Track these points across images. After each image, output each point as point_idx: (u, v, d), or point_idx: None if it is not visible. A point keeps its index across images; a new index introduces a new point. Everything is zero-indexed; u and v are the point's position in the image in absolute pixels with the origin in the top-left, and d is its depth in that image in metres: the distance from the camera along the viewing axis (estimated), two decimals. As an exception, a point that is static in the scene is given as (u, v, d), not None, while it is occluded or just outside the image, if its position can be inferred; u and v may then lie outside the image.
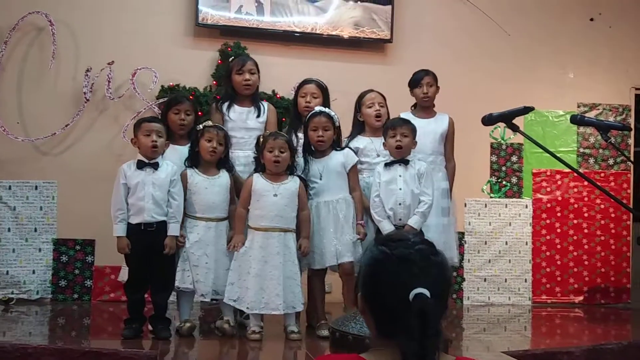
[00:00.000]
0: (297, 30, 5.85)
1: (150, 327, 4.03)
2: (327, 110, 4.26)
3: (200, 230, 4.07)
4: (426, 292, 1.27)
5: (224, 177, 4.16)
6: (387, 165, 4.18)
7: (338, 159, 4.23)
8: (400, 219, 4.12)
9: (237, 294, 3.98)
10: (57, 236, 5.38)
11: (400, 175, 4.15)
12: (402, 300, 1.28)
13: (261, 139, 4.13)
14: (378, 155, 4.39)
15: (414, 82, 4.64)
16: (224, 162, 4.20)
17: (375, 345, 1.38)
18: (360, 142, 4.43)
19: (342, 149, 4.30)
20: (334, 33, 5.91)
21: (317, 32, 5.89)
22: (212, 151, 4.09)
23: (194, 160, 4.17)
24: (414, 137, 4.18)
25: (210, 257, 4.04)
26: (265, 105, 4.57)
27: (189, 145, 4.29)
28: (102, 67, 5.36)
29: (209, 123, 4.19)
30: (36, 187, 5.37)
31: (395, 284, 1.31)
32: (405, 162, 4.17)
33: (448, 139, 4.64)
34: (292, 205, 4.07)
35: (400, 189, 4.13)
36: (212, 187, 4.11)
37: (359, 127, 4.51)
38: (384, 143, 4.20)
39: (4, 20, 5.34)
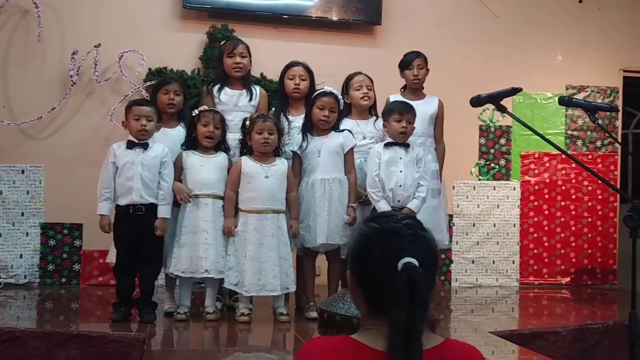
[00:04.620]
0: (286, 12, 5.80)
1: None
2: (335, 92, 4.29)
3: (196, 208, 4.06)
4: (414, 261, 1.31)
5: (220, 157, 4.17)
6: (388, 145, 4.19)
7: (337, 139, 4.25)
8: (399, 201, 4.14)
9: (237, 279, 4.00)
10: (45, 220, 5.36)
11: (401, 158, 4.17)
12: (391, 272, 1.31)
13: (247, 122, 4.13)
14: (364, 138, 4.41)
15: (405, 64, 4.63)
16: (221, 144, 4.20)
17: (365, 325, 1.40)
18: (347, 124, 4.41)
19: (342, 131, 4.30)
20: (322, 15, 5.87)
21: (306, 14, 5.85)
22: (209, 136, 4.10)
23: (190, 145, 4.16)
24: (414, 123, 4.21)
25: (210, 234, 4.03)
26: (257, 89, 4.56)
27: (178, 127, 4.29)
28: (89, 50, 5.30)
29: (205, 107, 4.19)
30: (23, 171, 5.33)
31: (384, 257, 1.35)
32: (406, 146, 4.20)
33: (437, 121, 4.64)
34: (283, 186, 4.10)
35: (401, 171, 4.15)
36: (207, 165, 4.12)
37: (346, 110, 4.49)
38: (384, 124, 4.20)
39: (-12, 2, 5.28)
